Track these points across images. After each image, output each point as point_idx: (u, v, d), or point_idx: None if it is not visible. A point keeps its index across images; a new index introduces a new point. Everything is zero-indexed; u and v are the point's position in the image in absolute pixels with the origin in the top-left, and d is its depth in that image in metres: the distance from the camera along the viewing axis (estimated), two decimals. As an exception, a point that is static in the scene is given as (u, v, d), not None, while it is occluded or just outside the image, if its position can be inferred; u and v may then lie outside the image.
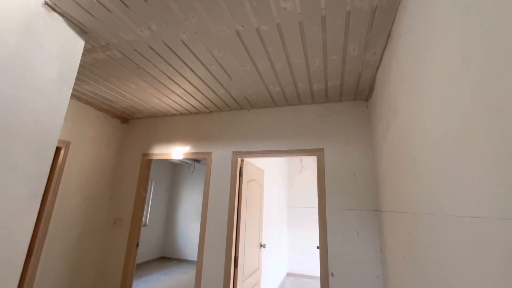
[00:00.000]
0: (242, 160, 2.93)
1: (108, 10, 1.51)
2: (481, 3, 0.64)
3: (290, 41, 1.72)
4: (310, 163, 6.09)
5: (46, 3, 1.48)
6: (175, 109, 3.13)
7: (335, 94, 2.51)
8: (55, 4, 1.49)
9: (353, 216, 2.33)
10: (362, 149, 2.46)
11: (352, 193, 2.39)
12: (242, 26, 1.60)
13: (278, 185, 5.06)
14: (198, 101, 2.84)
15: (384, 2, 1.36)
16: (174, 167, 7.35)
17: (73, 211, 2.80)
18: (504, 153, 0.57)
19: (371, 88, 2.31)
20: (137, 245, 3.03)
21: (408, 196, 1.33)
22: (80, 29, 1.70)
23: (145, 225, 6.24)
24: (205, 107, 3.00)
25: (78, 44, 1.69)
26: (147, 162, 3.28)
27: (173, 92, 2.61)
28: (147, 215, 6.36)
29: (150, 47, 1.86)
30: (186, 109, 3.11)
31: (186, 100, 2.81)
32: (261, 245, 3.36)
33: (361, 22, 1.52)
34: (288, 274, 5.62)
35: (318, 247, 2.46)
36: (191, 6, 1.45)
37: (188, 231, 6.71)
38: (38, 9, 1.46)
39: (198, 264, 2.69)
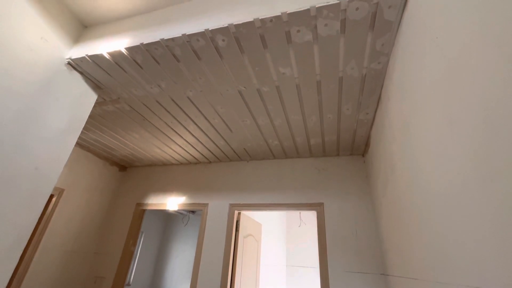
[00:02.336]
0: (239, 213, 2.82)
1: (124, 70, 1.67)
2: (459, 79, 0.72)
3: (288, 100, 1.86)
4: (309, 216, 5.85)
5: (69, 63, 1.65)
6: (174, 159, 3.16)
7: (332, 149, 2.58)
8: (77, 64, 1.66)
9: (358, 280, 2.14)
10: (362, 205, 2.40)
11: (356, 253, 2.23)
12: (244, 87, 1.74)
13: (276, 241, 4.76)
14: (198, 152, 2.89)
15: (372, 72, 1.52)
16: (167, 217, 7.00)
17: (52, 266, 2.56)
18: (503, 220, 0.56)
19: (367, 144, 2.39)
20: (116, 310, 2.68)
21: (416, 260, 1.25)
22: (95, 85, 1.84)
23: (128, 284, 5.61)
24: (205, 157, 3.04)
25: (91, 98, 1.82)
26: (140, 213, 3.15)
27: (175, 142, 2.68)
28: (132, 272, 5.77)
29: (158, 102, 2.00)
30: (186, 159, 3.15)
31: (187, 150, 2.86)
32: (257, 313, 2.97)
33: (353, 87, 1.68)
34: None
35: (321, 318, 2.17)
36: (199, 69, 1.61)
37: (176, 293, 5.99)
38: (61, 68, 1.61)
39: (184, 336, 2.33)
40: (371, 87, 1.66)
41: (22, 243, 1.34)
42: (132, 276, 5.86)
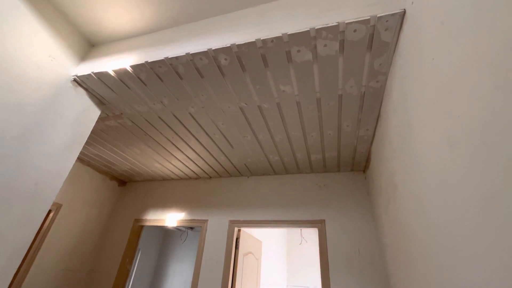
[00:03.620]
0: (239, 230, 2.77)
1: (128, 87, 1.71)
2: (456, 100, 0.74)
3: (288, 117, 1.88)
4: (311, 233, 5.71)
5: (75, 80, 1.69)
6: (175, 174, 3.15)
7: (333, 165, 2.58)
8: (82, 81, 1.70)
9: (362, 302, 2.05)
10: (364, 222, 2.36)
11: (359, 273, 2.16)
12: (245, 104, 1.77)
13: (276, 259, 4.62)
14: (199, 167, 2.88)
15: (371, 90, 1.55)
16: (165, 233, 6.84)
17: (46, 285, 2.47)
18: (505, 242, 0.55)
19: (368, 160, 2.39)
20: (109, 334, 2.55)
21: (421, 283, 1.21)
22: (99, 101, 1.87)
23: (122, 304, 5.37)
24: (205, 172, 3.03)
25: (94, 113, 1.84)
26: (138, 229, 3.09)
27: (175, 157, 2.68)
28: (127, 292, 5.54)
29: (160, 118, 2.02)
30: (186, 174, 3.13)
31: (187, 165, 2.86)
32: (257, 338, 2.83)
33: (352, 104, 1.70)
34: None
35: None
36: (202, 87, 1.64)
37: (171, 315, 5.72)
38: (67, 84, 1.65)
39: None
40: (370, 105, 1.69)
41: (16, 261, 1.30)
42: (127, 296, 5.61)
